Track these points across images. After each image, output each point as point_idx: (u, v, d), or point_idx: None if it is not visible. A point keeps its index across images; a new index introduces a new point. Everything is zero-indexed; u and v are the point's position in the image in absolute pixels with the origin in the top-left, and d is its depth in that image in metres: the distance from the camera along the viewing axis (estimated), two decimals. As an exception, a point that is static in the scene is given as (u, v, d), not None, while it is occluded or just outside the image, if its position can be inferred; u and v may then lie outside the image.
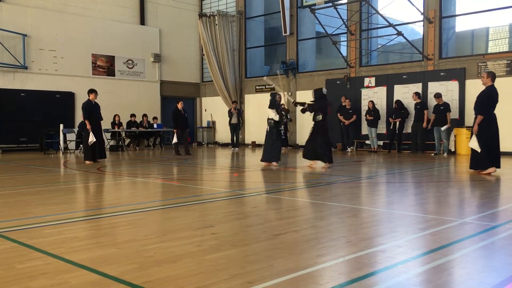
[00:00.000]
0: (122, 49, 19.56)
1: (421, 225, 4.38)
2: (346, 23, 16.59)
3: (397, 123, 14.96)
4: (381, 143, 15.81)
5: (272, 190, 7.13)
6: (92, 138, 11.40)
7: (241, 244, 3.69)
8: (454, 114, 14.03)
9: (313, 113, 10.16)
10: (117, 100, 18.75)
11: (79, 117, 16.08)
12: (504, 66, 13.52)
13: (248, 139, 20.52)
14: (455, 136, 13.98)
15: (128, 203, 5.95)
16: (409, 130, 14.92)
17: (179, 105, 14.75)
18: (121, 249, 3.54)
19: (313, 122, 10.22)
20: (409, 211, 5.18)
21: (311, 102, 10.29)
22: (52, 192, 6.81)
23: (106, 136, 16.34)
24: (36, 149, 16.59)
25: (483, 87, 8.61)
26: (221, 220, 4.67)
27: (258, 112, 19.37)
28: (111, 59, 19.35)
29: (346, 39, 17.39)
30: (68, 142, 15.98)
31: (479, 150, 8.40)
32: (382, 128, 15.66)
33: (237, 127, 17.67)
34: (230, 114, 17.47)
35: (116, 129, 17.55)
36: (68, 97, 17.97)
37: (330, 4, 15.70)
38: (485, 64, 13.84)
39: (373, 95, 16.17)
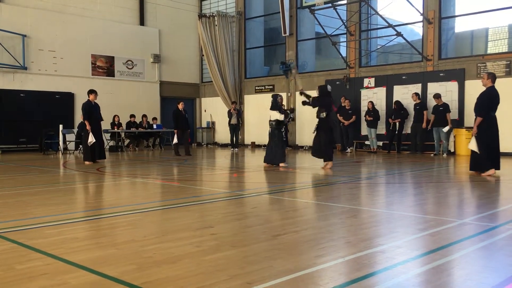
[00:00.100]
0: (121, 49, 19.56)
1: (421, 225, 4.38)
2: (345, 23, 16.59)
3: (397, 123, 14.97)
4: (380, 143, 15.81)
5: (271, 190, 7.13)
6: (91, 139, 11.39)
7: (240, 245, 3.69)
8: (453, 114, 14.02)
9: (317, 110, 10.13)
10: (116, 101, 18.74)
11: (78, 117, 16.09)
12: (503, 66, 13.52)
13: (247, 140, 20.52)
14: (454, 136, 13.98)
15: (127, 204, 5.95)
16: (409, 131, 14.91)
17: (180, 106, 14.75)
18: (120, 250, 3.54)
19: (317, 120, 10.19)
20: (409, 212, 5.18)
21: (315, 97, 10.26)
22: (51, 192, 6.81)
23: (106, 136, 16.34)
24: (36, 150, 16.58)
25: (483, 88, 8.56)
26: (220, 221, 4.67)
27: (257, 113, 19.37)
28: (110, 60, 19.35)
29: (345, 40, 17.39)
30: (67, 142, 15.98)
31: (478, 151, 8.40)
32: (381, 129, 15.66)
33: (236, 128, 17.65)
34: (230, 114, 17.46)
35: (115, 129, 17.55)
36: (67, 98, 17.96)
37: (330, 4, 15.71)
38: (484, 64, 13.84)
39: (373, 96, 16.17)
